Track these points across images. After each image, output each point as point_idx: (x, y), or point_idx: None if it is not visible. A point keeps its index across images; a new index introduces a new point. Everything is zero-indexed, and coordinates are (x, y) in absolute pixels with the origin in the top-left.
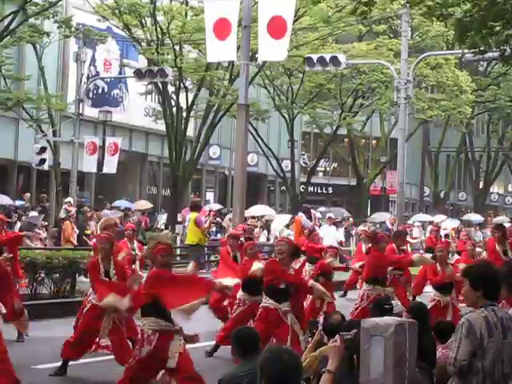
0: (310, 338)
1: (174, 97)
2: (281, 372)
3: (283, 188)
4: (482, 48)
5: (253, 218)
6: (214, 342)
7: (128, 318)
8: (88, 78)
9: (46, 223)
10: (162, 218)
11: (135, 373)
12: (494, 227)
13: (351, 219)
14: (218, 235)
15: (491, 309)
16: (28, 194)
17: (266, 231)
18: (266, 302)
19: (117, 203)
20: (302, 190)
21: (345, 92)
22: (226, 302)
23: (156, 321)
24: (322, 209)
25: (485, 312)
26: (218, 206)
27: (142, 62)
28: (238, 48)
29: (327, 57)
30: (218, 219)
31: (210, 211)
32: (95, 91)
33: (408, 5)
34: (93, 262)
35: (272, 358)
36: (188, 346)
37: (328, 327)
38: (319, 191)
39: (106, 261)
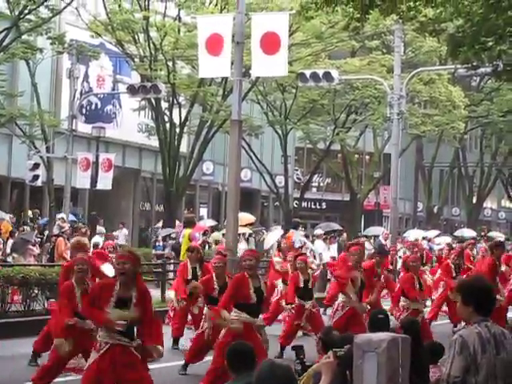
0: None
1: (168, 113)
2: None
3: (277, 203)
4: (474, 63)
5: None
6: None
7: None
8: (81, 94)
9: (40, 239)
10: (122, 234)
11: None
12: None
13: (345, 234)
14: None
15: (484, 324)
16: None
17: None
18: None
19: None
20: (296, 206)
21: (338, 107)
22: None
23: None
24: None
25: (478, 328)
26: (212, 222)
27: (135, 78)
28: (232, 64)
29: (320, 72)
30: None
31: (206, 231)
32: (88, 107)
33: (401, 20)
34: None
35: (266, 375)
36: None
37: (329, 343)
38: (313, 206)
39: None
